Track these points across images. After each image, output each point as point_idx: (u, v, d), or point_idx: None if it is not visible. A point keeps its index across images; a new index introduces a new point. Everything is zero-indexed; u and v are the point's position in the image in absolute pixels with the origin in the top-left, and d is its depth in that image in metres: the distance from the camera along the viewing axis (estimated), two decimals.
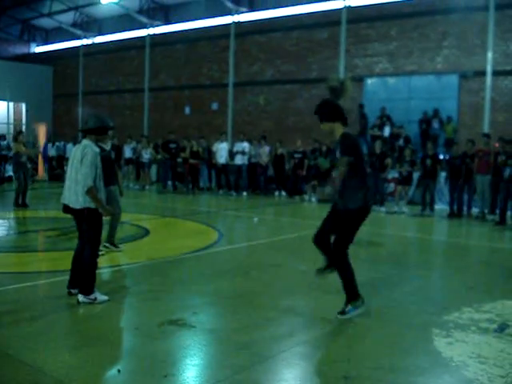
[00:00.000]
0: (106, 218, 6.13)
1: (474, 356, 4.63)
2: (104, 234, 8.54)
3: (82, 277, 5.88)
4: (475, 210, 13.92)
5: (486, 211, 13.56)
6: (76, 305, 5.81)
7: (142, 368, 4.29)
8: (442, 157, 16.01)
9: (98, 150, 5.94)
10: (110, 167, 8.50)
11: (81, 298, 5.83)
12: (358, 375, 4.22)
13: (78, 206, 5.80)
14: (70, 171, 5.92)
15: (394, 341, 5.07)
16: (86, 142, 5.94)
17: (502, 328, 5.38)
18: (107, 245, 8.63)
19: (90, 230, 5.90)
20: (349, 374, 4.21)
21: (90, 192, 5.71)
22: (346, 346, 4.92)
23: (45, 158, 23.29)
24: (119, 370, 4.20)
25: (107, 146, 8.54)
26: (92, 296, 5.85)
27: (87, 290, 5.84)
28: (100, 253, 8.29)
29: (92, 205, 5.79)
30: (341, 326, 5.46)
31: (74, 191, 5.80)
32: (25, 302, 6.01)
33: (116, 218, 8.70)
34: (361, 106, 19.02)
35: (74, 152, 5.95)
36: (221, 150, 18.73)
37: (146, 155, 20.21)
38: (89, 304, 5.80)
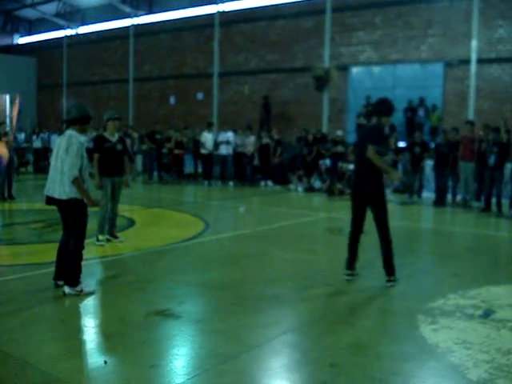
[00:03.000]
0: (91, 210, 6.06)
1: (459, 342, 4.67)
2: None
3: (68, 268, 5.85)
4: (460, 197, 14.00)
5: (467, 198, 13.61)
6: (62, 296, 5.78)
7: (129, 358, 4.28)
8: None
9: (83, 139, 5.88)
10: (114, 158, 8.50)
11: (67, 289, 5.80)
12: (345, 362, 4.24)
13: (64, 197, 5.74)
14: (55, 162, 5.84)
15: (380, 328, 5.10)
16: (70, 132, 5.89)
17: (487, 314, 5.43)
18: (108, 237, 8.61)
19: (75, 222, 5.85)
20: (335, 362, 4.23)
21: (76, 182, 5.66)
22: (332, 333, 4.93)
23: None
24: (106, 361, 4.19)
25: (114, 138, 8.55)
26: (78, 287, 5.82)
27: (73, 281, 5.81)
28: (99, 243, 8.32)
29: (79, 195, 5.75)
30: (327, 314, 5.49)
31: (61, 182, 5.73)
32: (10, 294, 5.97)
33: (105, 209, 8.61)
34: (265, 98, 19.76)
35: (59, 142, 5.90)
36: (210, 141, 18.62)
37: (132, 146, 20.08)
38: (75, 295, 5.77)
